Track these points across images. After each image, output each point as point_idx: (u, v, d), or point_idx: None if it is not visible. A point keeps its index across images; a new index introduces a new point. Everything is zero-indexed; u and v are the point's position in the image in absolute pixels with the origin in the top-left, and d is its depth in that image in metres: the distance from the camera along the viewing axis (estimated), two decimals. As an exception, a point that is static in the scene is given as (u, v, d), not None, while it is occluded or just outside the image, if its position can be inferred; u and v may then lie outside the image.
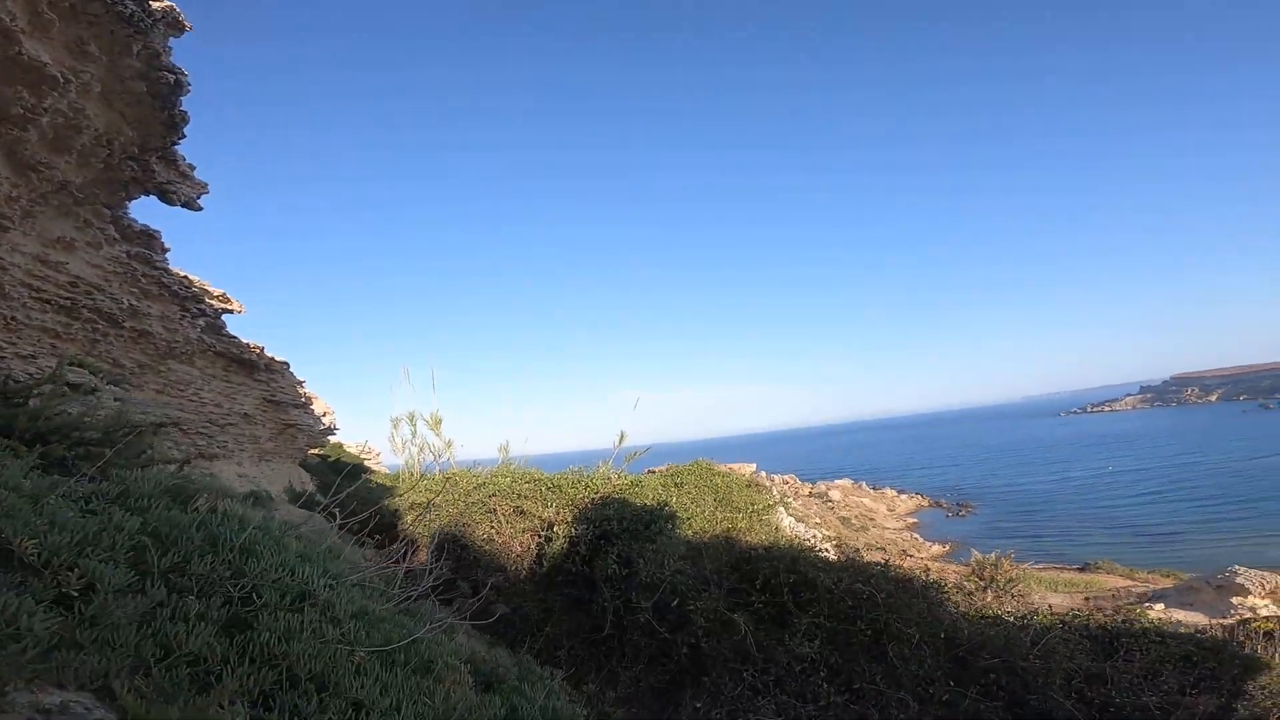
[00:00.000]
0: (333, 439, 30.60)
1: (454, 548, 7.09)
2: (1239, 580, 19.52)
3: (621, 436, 9.67)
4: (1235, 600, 18.49)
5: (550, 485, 8.14)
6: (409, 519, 7.86)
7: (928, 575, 7.59)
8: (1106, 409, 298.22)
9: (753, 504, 9.38)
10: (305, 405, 20.15)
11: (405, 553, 7.77)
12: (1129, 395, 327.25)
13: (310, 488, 20.36)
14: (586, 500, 7.58)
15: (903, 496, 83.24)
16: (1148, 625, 7.24)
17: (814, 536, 8.89)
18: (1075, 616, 7.63)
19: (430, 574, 3.68)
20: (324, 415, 24.95)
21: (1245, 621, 12.72)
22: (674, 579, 5.99)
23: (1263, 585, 19.19)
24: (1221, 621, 14.81)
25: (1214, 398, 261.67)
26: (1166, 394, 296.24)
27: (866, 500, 72.62)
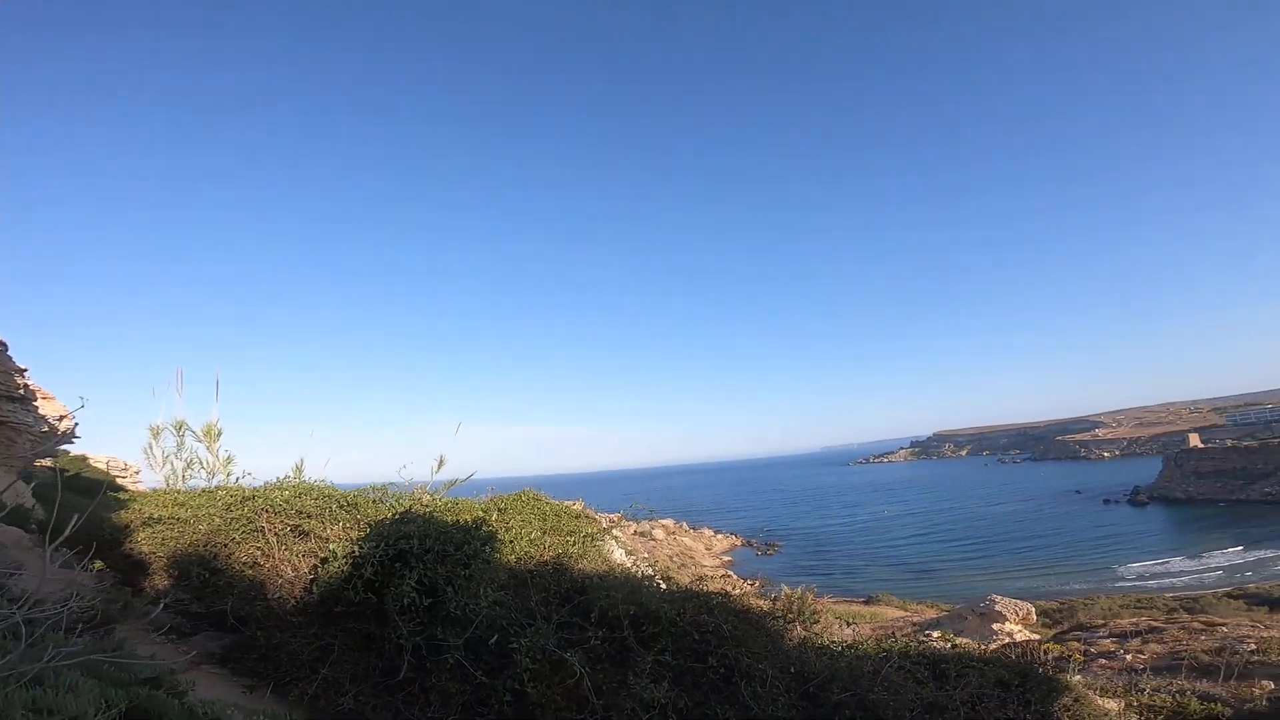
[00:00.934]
0: (72, 449, 24.40)
1: (201, 571, 5.29)
2: (997, 608, 22.33)
3: (440, 461, 8.34)
4: (995, 626, 21.02)
5: (344, 503, 6.55)
6: (140, 536, 5.82)
7: (774, 604, 7.14)
8: (885, 460, 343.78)
9: (584, 531, 8.49)
10: (27, 401, 15.69)
11: (122, 577, 5.73)
12: (902, 448, 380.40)
13: (28, 501, 15.74)
14: (383, 517, 6.13)
15: (719, 536, 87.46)
16: (963, 651, 7.36)
17: (650, 571, 8.24)
18: (902, 645, 7.57)
19: (65, 596, 2.29)
20: (59, 418, 19.79)
21: (1021, 643, 14.24)
22: (493, 611, 4.82)
23: (1016, 612, 22.12)
24: (986, 646, 16.44)
25: (965, 452, 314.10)
26: (930, 448, 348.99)
27: (687, 539, 75.10)
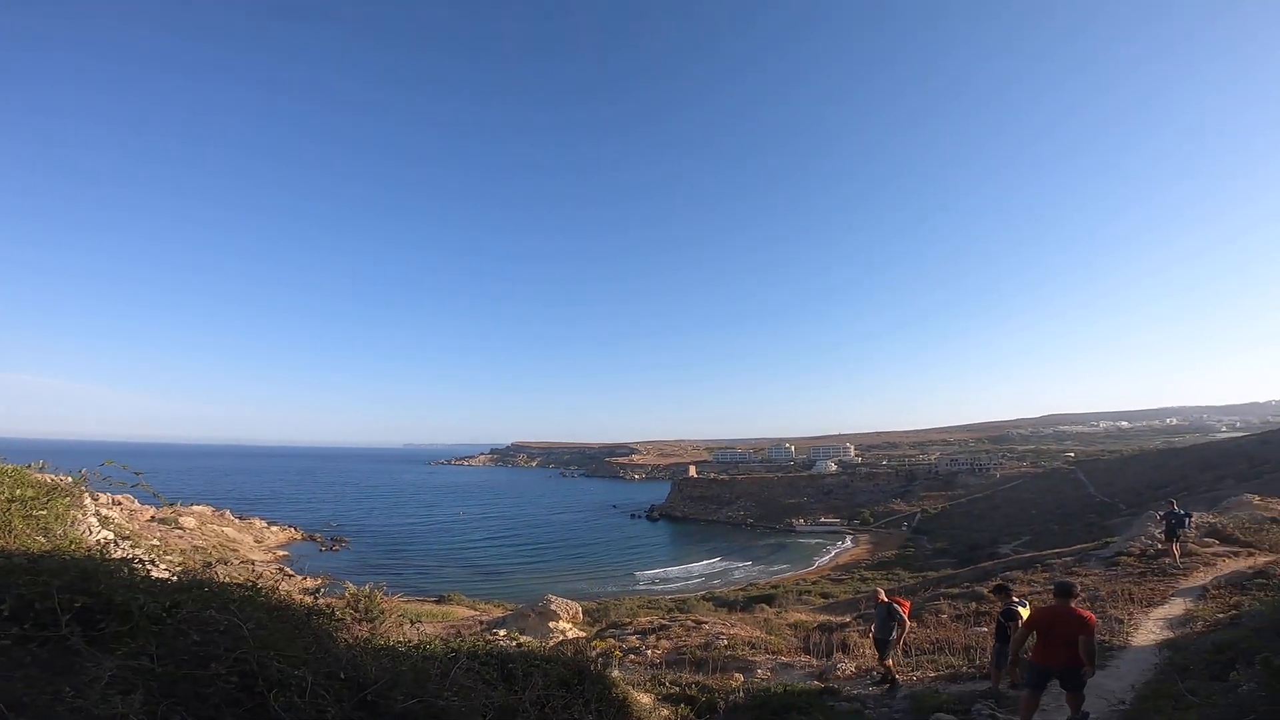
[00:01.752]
0: None
1: None
2: (553, 608, 23.69)
3: None
4: (551, 624, 22.12)
5: None
6: None
7: (317, 600, 5.91)
8: (466, 463, 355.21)
9: (17, 494, 6.06)
10: None
11: None
12: (482, 454, 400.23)
13: None
14: None
15: (274, 528, 75.60)
16: (529, 650, 7.08)
17: (147, 562, 5.77)
18: (470, 644, 7.03)
19: None
20: None
21: (573, 640, 14.75)
22: None
23: (567, 611, 23.77)
24: (546, 643, 16.80)
25: (536, 463, 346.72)
26: (507, 456, 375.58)
27: (229, 530, 62.38)
